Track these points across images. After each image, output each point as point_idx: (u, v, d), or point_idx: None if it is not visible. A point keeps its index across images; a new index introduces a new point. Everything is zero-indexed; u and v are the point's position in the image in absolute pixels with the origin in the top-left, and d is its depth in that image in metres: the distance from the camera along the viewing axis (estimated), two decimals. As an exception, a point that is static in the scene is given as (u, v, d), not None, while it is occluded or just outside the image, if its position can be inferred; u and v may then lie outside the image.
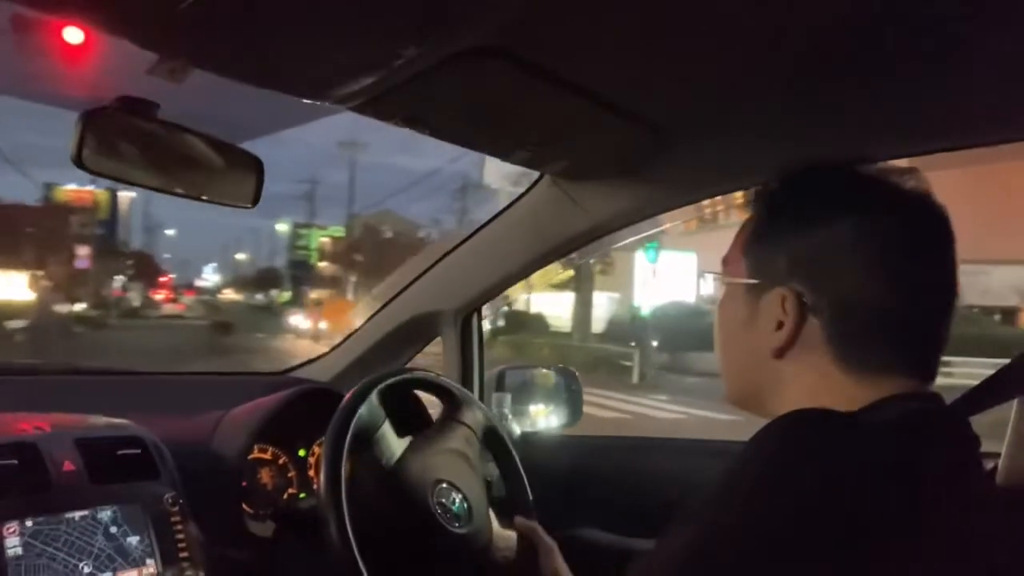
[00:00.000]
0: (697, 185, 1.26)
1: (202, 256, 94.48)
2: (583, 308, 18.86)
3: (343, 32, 0.78)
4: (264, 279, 55.59)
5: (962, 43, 0.79)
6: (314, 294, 36.24)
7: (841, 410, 0.61)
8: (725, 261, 0.76)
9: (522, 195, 1.42)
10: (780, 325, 0.67)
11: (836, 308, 0.65)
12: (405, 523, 1.04)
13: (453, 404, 1.20)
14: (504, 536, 1.14)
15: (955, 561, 0.55)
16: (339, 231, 44.28)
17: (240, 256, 73.50)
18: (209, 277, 77.19)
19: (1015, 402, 0.92)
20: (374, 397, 1.06)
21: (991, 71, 0.84)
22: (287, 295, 45.90)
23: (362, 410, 1.03)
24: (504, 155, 1.22)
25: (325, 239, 47.99)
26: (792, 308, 0.66)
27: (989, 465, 0.67)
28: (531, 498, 1.21)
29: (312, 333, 22.56)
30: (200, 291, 58.07)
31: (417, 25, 0.76)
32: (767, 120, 1.02)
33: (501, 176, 23.29)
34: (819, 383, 0.66)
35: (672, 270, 16.75)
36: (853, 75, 0.88)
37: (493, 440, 1.23)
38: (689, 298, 16.12)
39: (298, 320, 26.37)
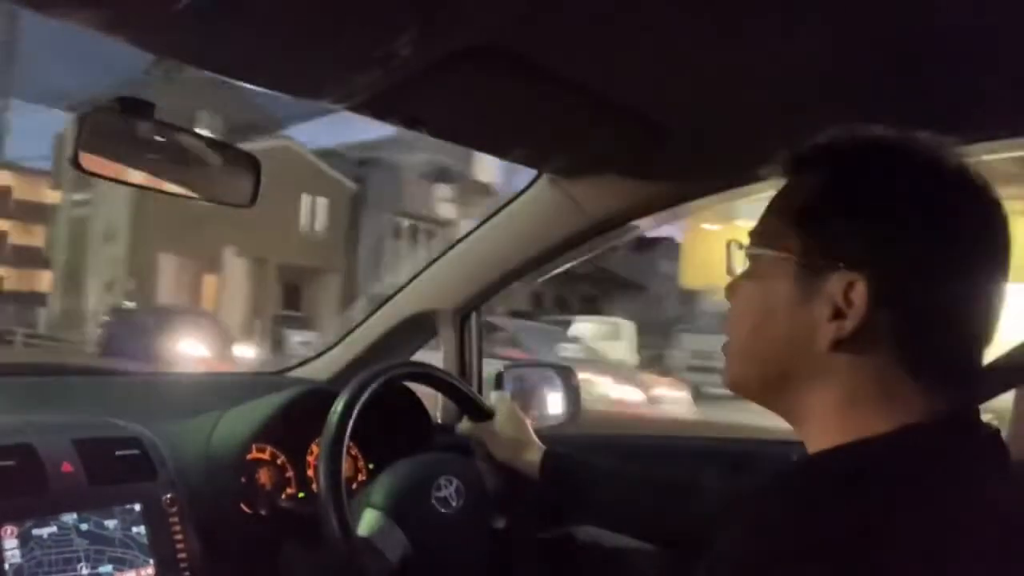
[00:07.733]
0: (697, 184, 1.25)
1: None
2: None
3: (341, 32, 0.77)
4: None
5: (965, 40, 0.79)
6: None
7: (889, 417, 0.58)
8: (761, 233, 0.67)
9: (520, 193, 1.41)
10: (837, 313, 0.59)
11: (913, 306, 0.58)
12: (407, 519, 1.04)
13: (452, 396, 1.20)
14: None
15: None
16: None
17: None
18: None
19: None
20: (370, 393, 1.06)
21: (1002, 67, 0.84)
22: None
23: (358, 407, 1.03)
24: (503, 153, 1.22)
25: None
26: (860, 298, 0.58)
27: None
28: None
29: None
30: None
31: (417, 25, 0.76)
32: (768, 118, 1.01)
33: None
34: (873, 384, 0.60)
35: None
36: (854, 74, 0.88)
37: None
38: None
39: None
